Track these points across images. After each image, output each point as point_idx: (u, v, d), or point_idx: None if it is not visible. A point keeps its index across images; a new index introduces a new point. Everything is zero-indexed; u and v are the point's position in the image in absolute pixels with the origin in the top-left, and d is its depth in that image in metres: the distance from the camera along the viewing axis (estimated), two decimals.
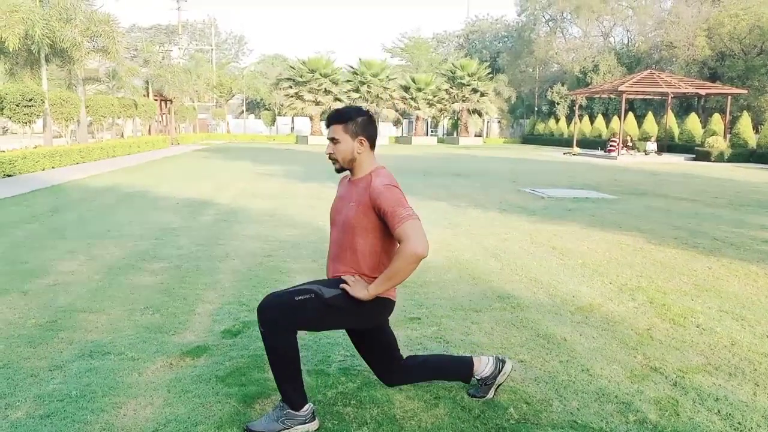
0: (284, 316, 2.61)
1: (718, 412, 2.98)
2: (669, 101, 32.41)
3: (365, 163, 2.77)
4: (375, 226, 2.66)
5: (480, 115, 47.48)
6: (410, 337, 3.92)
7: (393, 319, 4.18)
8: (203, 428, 2.72)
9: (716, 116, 29.34)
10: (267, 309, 2.62)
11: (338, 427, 2.76)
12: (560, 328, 4.15)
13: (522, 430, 2.78)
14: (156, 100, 34.04)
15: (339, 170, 2.82)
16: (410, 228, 2.53)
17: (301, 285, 2.75)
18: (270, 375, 3.28)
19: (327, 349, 3.70)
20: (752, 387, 3.26)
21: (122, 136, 32.34)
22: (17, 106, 18.24)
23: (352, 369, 3.40)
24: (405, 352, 3.58)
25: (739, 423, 2.87)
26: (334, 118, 2.77)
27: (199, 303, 4.62)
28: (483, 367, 3.07)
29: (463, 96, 45.79)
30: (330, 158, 2.78)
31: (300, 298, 2.63)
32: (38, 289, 4.95)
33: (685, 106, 39.28)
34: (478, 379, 3.08)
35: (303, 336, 3.93)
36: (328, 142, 2.80)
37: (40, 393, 3.05)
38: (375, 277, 2.68)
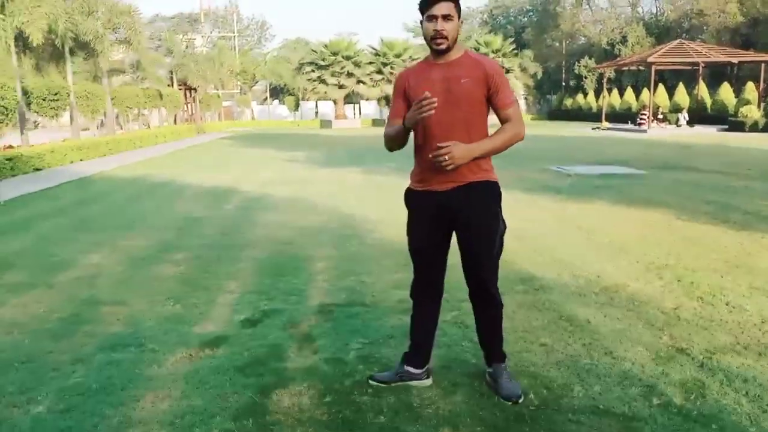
0: (497, 270, 3.07)
1: (746, 393, 2.88)
2: (700, 71, 31.56)
3: (458, 44, 2.79)
4: (485, 99, 2.80)
5: None
6: None
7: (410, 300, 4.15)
8: (219, 420, 2.72)
9: (750, 85, 28.48)
10: (490, 280, 3.08)
11: (355, 416, 2.74)
12: (584, 310, 4.06)
13: (542, 416, 2.72)
14: (180, 89, 34.36)
15: (443, 51, 2.73)
16: (519, 112, 2.87)
17: (491, 238, 3.05)
18: (288, 364, 3.28)
19: (345, 337, 3.67)
20: None
21: (149, 126, 32.72)
22: (43, 100, 18.57)
23: (371, 357, 3.37)
24: None
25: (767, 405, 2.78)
26: None
27: (220, 293, 4.63)
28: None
29: None
30: (439, 36, 2.66)
31: (497, 243, 3.04)
32: (64, 282, 5.02)
33: (717, 75, 38.12)
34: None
35: (322, 323, 3.93)
36: (436, 21, 2.64)
37: (62, 386, 3.09)
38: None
